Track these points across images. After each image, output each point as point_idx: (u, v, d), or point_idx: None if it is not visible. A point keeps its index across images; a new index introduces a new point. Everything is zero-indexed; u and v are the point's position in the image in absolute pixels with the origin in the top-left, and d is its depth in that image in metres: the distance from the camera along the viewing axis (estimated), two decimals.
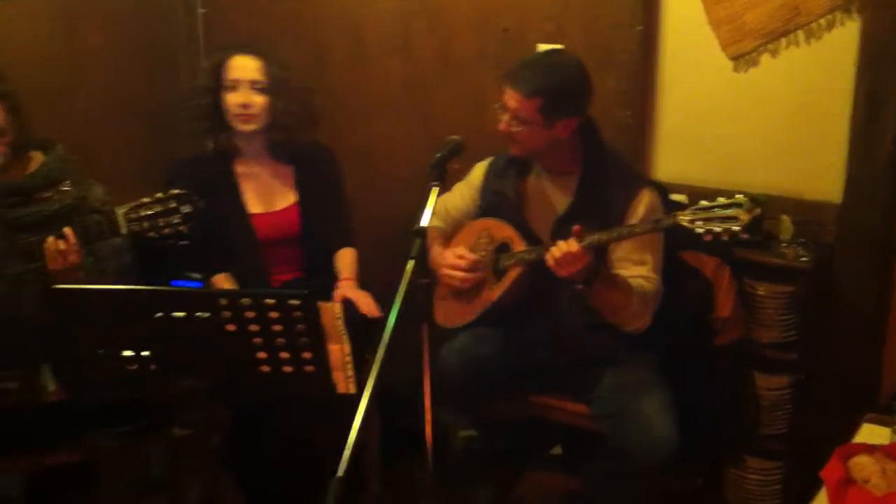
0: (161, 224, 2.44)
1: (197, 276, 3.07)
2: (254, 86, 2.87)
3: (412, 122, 3.43)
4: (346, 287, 2.95)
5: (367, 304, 2.89)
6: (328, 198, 3.06)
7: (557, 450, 3.10)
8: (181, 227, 2.46)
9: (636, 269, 2.51)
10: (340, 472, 1.69)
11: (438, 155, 2.25)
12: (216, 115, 2.92)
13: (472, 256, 2.67)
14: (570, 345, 2.64)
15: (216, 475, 2.81)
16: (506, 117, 2.51)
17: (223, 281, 2.94)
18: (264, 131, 2.93)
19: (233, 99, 2.87)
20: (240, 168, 3.00)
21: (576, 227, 2.32)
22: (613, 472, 2.52)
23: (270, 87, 2.88)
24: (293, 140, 2.96)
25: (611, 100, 2.98)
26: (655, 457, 2.39)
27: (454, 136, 2.33)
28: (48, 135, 2.69)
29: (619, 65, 3.00)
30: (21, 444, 2.54)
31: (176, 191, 2.44)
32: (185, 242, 2.93)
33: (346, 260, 3.04)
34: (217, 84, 2.90)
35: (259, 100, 2.88)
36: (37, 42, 3.18)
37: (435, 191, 2.14)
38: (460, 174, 2.79)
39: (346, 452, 1.70)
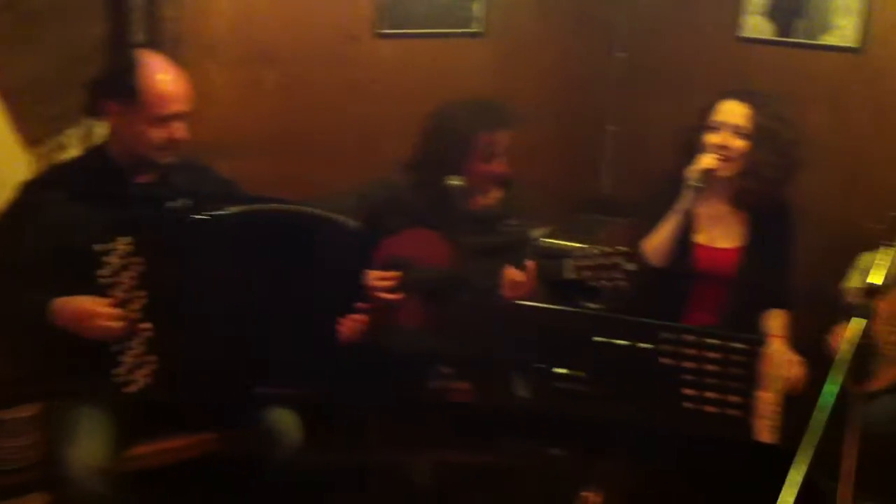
0: (603, 276, 2.54)
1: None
2: (737, 131, 2.92)
3: None
4: (778, 345, 2.90)
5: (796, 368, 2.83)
6: (775, 253, 3.01)
7: None
8: (622, 283, 2.53)
9: None
10: None
11: None
12: (695, 152, 2.95)
13: None
14: None
15: None
16: None
17: None
18: (737, 178, 2.95)
19: (711, 139, 2.93)
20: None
21: None
22: None
23: (754, 135, 2.90)
24: (763, 191, 2.95)
25: None
26: None
27: None
28: None
29: None
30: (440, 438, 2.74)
31: (623, 248, 2.54)
32: None
33: (779, 320, 2.99)
34: (702, 124, 2.97)
35: (738, 144, 2.91)
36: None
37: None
38: None
39: None
